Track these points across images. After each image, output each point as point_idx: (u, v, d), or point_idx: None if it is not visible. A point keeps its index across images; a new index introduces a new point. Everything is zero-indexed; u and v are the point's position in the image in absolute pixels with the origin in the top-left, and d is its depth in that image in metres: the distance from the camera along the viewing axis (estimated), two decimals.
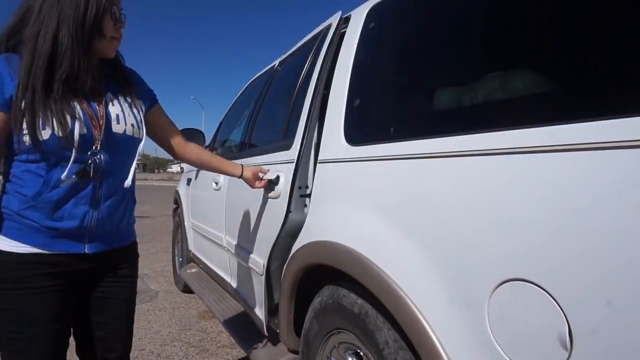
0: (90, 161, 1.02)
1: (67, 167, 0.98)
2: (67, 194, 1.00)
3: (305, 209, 1.58)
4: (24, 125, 0.93)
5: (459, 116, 1.00)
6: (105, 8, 1.00)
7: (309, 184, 1.58)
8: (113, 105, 1.10)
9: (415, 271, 0.94)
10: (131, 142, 1.12)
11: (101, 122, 1.04)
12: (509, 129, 0.80)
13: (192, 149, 1.44)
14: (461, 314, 0.84)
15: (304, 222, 1.47)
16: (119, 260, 1.19)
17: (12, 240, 0.99)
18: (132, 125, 1.12)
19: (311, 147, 1.60)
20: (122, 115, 1.10)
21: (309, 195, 1.52)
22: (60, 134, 0.95)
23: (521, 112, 0.86)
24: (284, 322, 1.57)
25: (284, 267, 1.52)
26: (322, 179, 1.40)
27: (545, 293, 0.69)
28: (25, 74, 0.92)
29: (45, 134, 0.94)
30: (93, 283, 1.15)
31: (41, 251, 1.00)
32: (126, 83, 1.17)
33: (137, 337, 2.70)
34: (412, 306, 0.91)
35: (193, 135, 2.94)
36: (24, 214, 0.98)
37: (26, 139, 0.94)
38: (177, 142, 1.37)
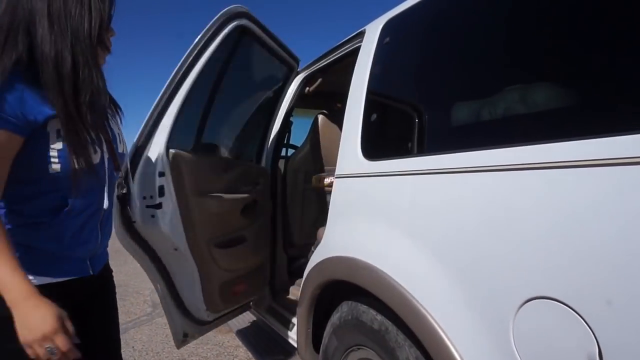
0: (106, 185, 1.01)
1: (97, 193, 0.97)
2: (87, 220, 0.96)
3: (153, 218, 1.54)
4: (53, 154, 0.86)
5: (481, 130, 0.99)
6: (107, 18, 0.93)
7: (154, 194, 1.54)
8: (113, 123, 1.05)
9: (438, 288, 0.92)
10: (122, 160, 1.09)
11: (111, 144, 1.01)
12: (530, 144, 0.79)
13: None
14: (485, 332, 0.82)
15: (155, 231, 1.50)
16: (106, 277, 1.15)
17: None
18: (124, 142, 1.09)
19: (144, 157, 1.54)
20: (118, 133, 1.07)
21: (157, 206, 1.51)
22: (97, 161, 0.92)
23: (542, 126, 0.85)
24: (302, 337, 1.56)
25: (302, 281, 1.52)
26: (339, 193, 1.39)
27: (573, 312, 0.67)
28: (60, 98, 0.84)
29: (76, 163, 0.87)
30: (89, 307, 1.07)
31: (51, 281, 0.92)
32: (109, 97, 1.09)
33: (155, 352, 2.71)
34: (434, 323, 0.90)
35: (207, 149, 2.96)
36: (36, 245, 0.90)
37: (56, 167, 0.87)
38: None
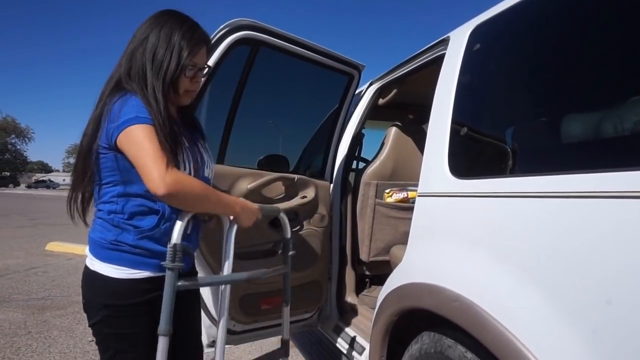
0: None
1: None
2: (173, 224, 1.08)
3: None
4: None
5: (604, 148, 0.85)
6: (181, 69, 1.09)
7: None
8: (205, 151, 1.23)
9: (549, 332, 0.79)
10: (205, 181, 1.19)
11: (198, 166, 1.16)
12: None
13: None
14: None
15: None
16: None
17: (128, 269, 1.05)
18: (212, 170, 1.26)
19: None
20: (209, 161, 1.24)
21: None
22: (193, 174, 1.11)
23: None
24: None
25: (376, 308, 1.42)
26: (423, 213, 1.28)
27: None
28: (160, 117, 1.02)
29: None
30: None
31: (153, 275, 1.07)
32: (200, 129, 1.29)
33: None
34: None
35: (278, 161, 2.95)
36: (139, 244, 1.06)
37: None
38: None
